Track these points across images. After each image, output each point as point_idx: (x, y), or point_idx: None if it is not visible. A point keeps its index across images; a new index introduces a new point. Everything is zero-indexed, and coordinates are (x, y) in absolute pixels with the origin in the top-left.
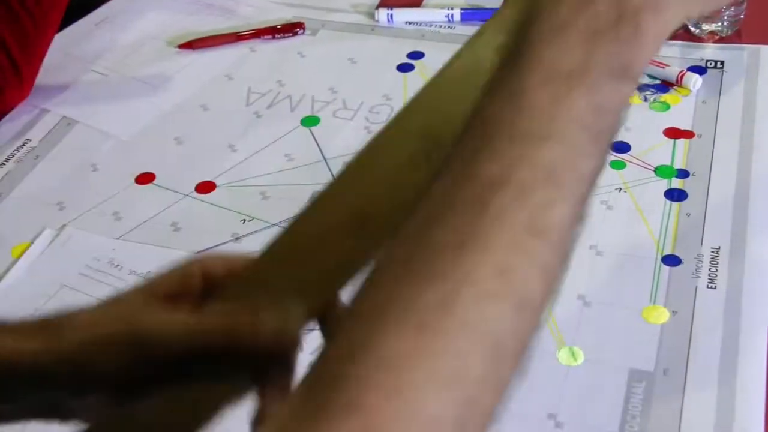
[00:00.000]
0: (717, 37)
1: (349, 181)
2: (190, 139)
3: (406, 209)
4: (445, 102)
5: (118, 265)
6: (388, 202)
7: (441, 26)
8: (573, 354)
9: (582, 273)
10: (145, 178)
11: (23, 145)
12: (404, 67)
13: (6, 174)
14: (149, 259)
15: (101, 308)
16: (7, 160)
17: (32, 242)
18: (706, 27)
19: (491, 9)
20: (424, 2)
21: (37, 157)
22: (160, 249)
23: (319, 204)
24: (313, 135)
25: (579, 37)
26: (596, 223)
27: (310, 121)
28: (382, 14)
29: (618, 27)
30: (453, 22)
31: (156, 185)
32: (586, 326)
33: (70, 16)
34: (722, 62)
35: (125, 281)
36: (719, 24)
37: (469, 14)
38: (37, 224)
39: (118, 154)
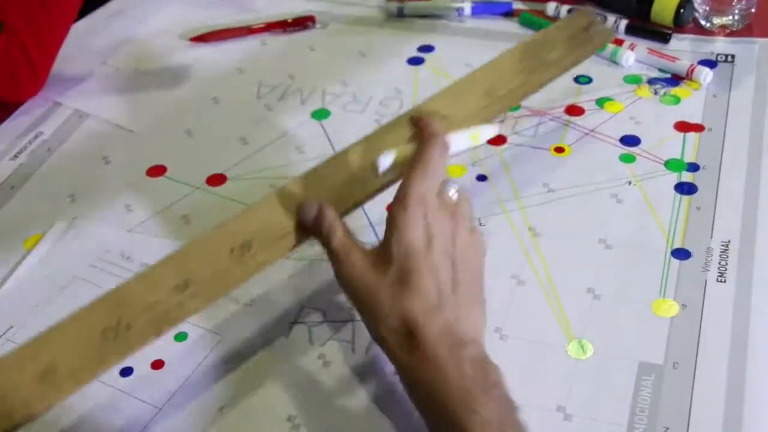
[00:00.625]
0: (728, 31)
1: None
2: (201, 132)
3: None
4: None
5: (129, 257)
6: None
7: (451, 20)
8: (582, 347)
9: (591, 266)
10: (156, 171)
11: (36, 137)
12: (414, 60)
13: (19, 166)
14: (160, 251)
15: None
16: (20, 152)
17: (44, 234)
18: (717, 21)
19: (501, 3)
20: None
21: (49, 149)
22: (170, 241)
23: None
24: (323, 128)
25: None
26: (606, 217)
27: (320, 114)
28: (393, 7)
29: None
30: (463, 15)
31: (167, 178)
32: (596, 319)
33: (84, 9)
34: (733, 56)
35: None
36: (730, 17)
37: (479, 8)
38: (50, 216)
39: (129, 147)
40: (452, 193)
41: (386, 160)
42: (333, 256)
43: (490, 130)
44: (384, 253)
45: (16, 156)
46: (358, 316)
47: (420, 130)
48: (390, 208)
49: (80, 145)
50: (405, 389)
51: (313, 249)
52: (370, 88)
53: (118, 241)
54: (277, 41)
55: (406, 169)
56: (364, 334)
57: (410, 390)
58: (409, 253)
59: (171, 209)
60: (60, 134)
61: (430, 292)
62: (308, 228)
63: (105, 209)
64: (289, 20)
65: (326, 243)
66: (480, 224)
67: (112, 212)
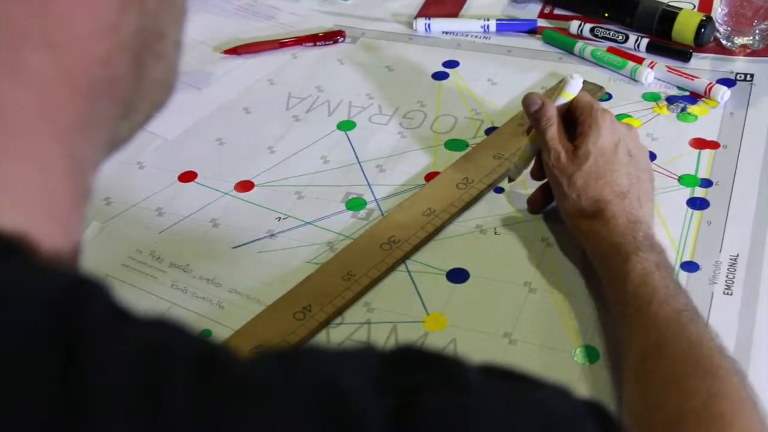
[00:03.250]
0: (748, 51)
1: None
2: (231, 140)
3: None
4: None
5: (159, 258)
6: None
7: (476, 36)
8: (589, 354)
9: None
10: (187, 177)
11: None
12: (439, 75)
13: None
14: (188, 252)
15: None
16: None
17: None
18: (737, 40)
19: (525, 21)
20: (461, 13)
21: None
22: (198, 243)
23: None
24: (348, 138)
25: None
26: None
27: (346, 126)
28: (420, 24)
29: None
30: (488, 32)
31: (198, 183)
32: (608, 333)
33: None
34: (752, 75)
35: (165, 273)
36: (751, 38)
37: (504, 25)
38: (86, 217)
39: (163, 153)
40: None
41: (578, 82)
42: (545, 146)
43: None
44: (582, 151)
45: None
46: (374, 320)
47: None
48: (586, 116)
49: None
50: (584, 246)
51: (324, 257)
52: (395, 101)
53: (149, 243)
54: (308, 55)
55: (579, 95)
56: (377, 336)
57: (589, 245)
58: (603, 151)
59: (200, 213)
60: None
61: (616, 183)
62: (530, 115)
63: (138, 212)
64: (320, 34)
65: (541, 133)
66: (495, 233)
67: (145, 215)
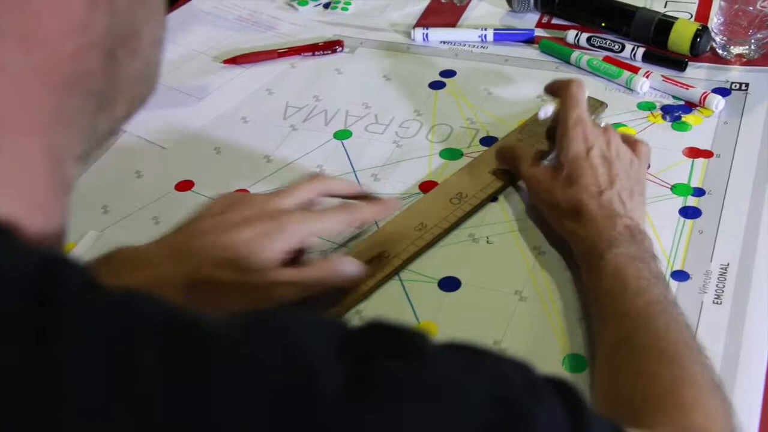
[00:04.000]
0: (744, 60)
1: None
2: (228, 150)
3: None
4: None
5: None
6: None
7: (474, 46)
8: (577, 363)
9: None
10: (184, 186)
11: None
12: (436, 85)
13: None
14: None
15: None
16: None
17: (77, 243)
18: (733, 50)
19: (522, 31)
20: (459, 22)
21: (85, 163)
22: None
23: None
24: (344, 147)
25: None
26: None
27: (342, 135)
28: (418, 33)
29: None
30: (486, 42)
31: (194, 192)
32: (593, 336)
33: None
34: (747, 84)
35: None
36: (747, 47)
37: (502, 35)
38: (83, 227)
39: (160, 162)
40: (602, 123)
41: (547, 111)
42: (524, 179)
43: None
44: (557, 164)
45: None
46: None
47: (558, 89)
48: (559, 131)
49: (114, 160)
50: (569, 241)
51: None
52: (392, 111)
53: None
54: (306, 64)
55: (561, 107)
56: None
57: (573, 246)
58: (574, 159)
59: None
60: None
61: (590, 184)
62: (506, 166)
63: (134, 221)
64: (319, 44)
65: (518, 173)
66: (488, 242)
67: (141, 224)
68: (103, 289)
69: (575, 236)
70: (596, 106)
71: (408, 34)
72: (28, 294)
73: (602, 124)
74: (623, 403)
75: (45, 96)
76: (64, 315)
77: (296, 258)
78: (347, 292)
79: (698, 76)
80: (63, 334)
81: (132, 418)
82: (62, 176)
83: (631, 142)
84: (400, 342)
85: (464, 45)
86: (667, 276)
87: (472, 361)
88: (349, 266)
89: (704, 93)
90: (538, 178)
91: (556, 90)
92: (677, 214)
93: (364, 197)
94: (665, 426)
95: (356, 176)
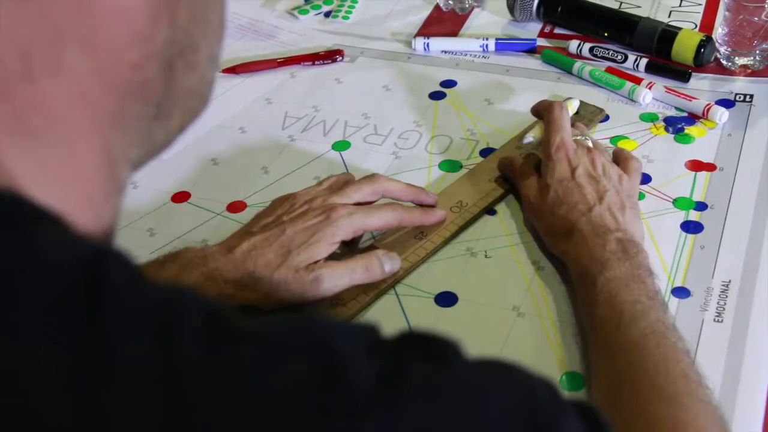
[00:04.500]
0: (748, 71)
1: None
2: (226, 160)
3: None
4: None
5: None
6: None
7: (475, 55)
8: (575, 381)
9: None
10: (181, 197)
11: None
12: (436, 95)
13: None
14: None
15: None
16: None
17: None
18: (738, 60)
19: (525, 40)
20: (461, 32)
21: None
22: None
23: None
24: (342, 159)
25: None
26: None
27: (341, 146)
28: (419, 43)
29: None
30: (487, 51)
31: (190, 204)
32: (588, 360)
33: None
34: (751, 96)
35: None
36: (751, 58)
37: (503, 45)
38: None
39: (157, 173)
40: (588, 142)
41: (529, 138)
42: (520, 194)
43: (575, 104)
44: (544, 185)
45: None
46: None
47: (542, 110)
48: (544, 154)
49: None
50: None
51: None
52: (391, 121)
53: (139, 263)
54: (306, 74)
55: (545, 131)
56: None
57: (568, 267)
58: (559, 181)
59: (192, 234)
60: None
61: (578, 202)
62: (505, 176)
63: (130, 232)
64: (319, 54)
65: (517, 186)
66: (486, 256)
67: (137, 235)
68: (149, 282)
69: (568, 257)
70: (596, 113)
71: (409, 44)
72: (75, 283)
73: (589, 143)
74: None
75: (105, 99)
76: (111, 300)
77: (348, 245)
78: (341, 305)
79: (702, 87)
80: (108, 323)
81: (173, 404)
82: (116, 178)
83: (622, 158)
84: (432, 348)
85: (465, 55)
86: (668, 293)
87: (501, 370)
88: (392, 263)
89: (708, 105)
90: (530, 199)
91: (541, 111)
92: (679, 229)
93: (416, 200)
94: None
95: None
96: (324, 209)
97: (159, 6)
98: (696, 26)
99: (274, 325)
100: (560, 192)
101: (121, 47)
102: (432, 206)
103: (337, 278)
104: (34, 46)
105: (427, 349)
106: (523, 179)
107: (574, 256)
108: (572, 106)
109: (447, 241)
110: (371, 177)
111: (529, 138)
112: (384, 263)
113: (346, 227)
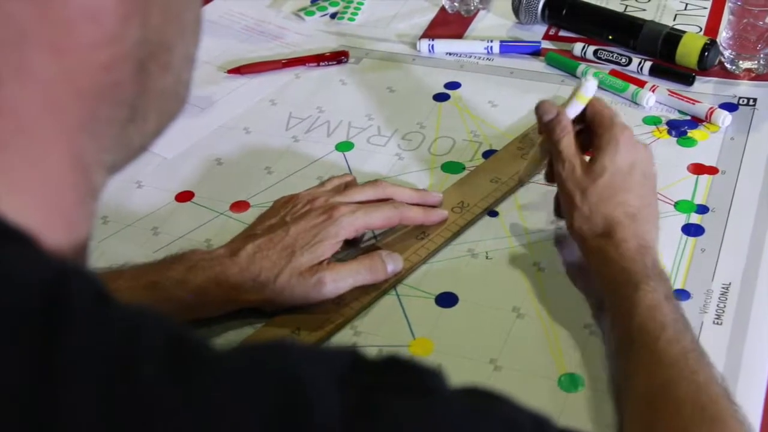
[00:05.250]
0: (752, 75)
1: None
2: (230, 160)
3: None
4: None
5: None
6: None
7: (480, 57)
8: (574, 382)
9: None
10: (184, 196)
11: None
12: (440, 97)
13: None
14: None
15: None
16: None
17: None
18: (742, 64)
19: (529, 43)
20: (466, 33)
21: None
22: None
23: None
24: (346, 159)
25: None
26: None
27: (344, 147)
28: (424, 45)
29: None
30: (492, 54)
31: (194, 203)
32: (590, 355)
33: None
34: (755, 99)
35: None
36: (755, 62)
37: (507, 47)
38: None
39: (161, 173)
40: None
41: (593, 84)
42: (559, 156)
43: (592, 86)
44: (598, 166)
45: None
46: (360, 343)
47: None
48: (605, 130)
49: None
50: (591, 266)
51: None
52: (395, 123)
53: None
54: (310, 75)
55: (599, 109)
56: None
57: (597, 265)
58: (619, 169)
59: (195, 233)
60: None
61: (629, 203)
62: (543, 125)
63: (134, 231)
64: (324, 55)
65: (555, 143)
66: (487, 258)
67: (140, 234)
68: (114, 304)
69: (604, 256)
70: None
71: (414, 45)
72: (38, 302)
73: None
74: None
75: (73, 103)
76: (71, 325)
77: (349, 244)
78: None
79: (706, 90)
80: (68, 343)
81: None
82: (89, 184)
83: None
84: (410, 378)
85: (470, 57)
86: None
87: (483, 406)
88: (395, 263)
89: (711, 108)
90: (573, 164)
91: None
92: (680, 232)
93: (421, 202)
94: None
95: None
96: (326, 209)
97: (129, 5)
98: (700, 30)
99: (241, 353)
100: (616, 181)
101: (89, 49)
102: (436, 205)
103: (341, 280)
104: None
105: (407, 379)
106: (564, 139)
107: (615, 256)
108: (590, 89)
109: (448, 242)
110: (374, 182)
111: (576, 107)
112: (387, 264)
113: (348, 226)
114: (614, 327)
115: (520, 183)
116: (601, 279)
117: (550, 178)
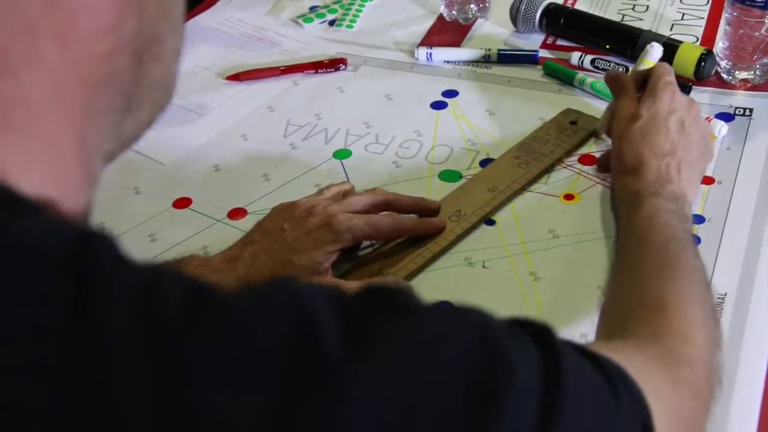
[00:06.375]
0: (749, 85)
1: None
2: (227, 167)
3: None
4: None
5: None
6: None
7: (478, 66)
8: None
9: (588, 312)
10: (182, 203)
11: None
12: (437, 105)
13: None
14: None
15: None
16: None
17: None
18: (738, 74)
19: (527, 51)
20: (464, 41)
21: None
22: None
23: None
24: (343, 167)
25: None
26: (607, 265)
27: (342, 154)
28: (422, 52)
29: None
30: (490, 62)
31: (192, 210)
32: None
33: None
34: (751, 110)
35: None
36: (752, 72)
37: (505, 55)
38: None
39: (159, 179)
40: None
41: (657, 51)
42: (615, 108)
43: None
44: (637, 112)
45: None
46: None
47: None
48: (650, 85)
49: (114, 175)
50: (617, 194)
51: None
52: (392, 131)
53: None
54: (309, 82)
55: (653, 70)
56: None
57: (622, 199)
58: (655, 114)
59: (192, 240)
60: None
61: (659, 145)
62: (608, 83)
63: (131, 237)
64: (322, 62)
65: (615, 98)
66: (484, 266)
67: (138, 240)
68: (133, 262)
69: (626, 189)
70: (594, 123)
71: (412, 53)
72: (64, 265)
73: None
74: (617, 309)
75: (77, 90)
76: (98, 283)
77: (346, 253)
78: None
79: (702, 100)
80: (98, 300)
81: (156, 365)
82: (90, 170)
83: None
84: (392, 300)
85: (468, 65)
86: None
87: (457, 313)
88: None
89: (707, 118)
90: (621, 118)
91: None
92: None
93: (418, 209)
94: (641, 336)
95: None
96: (324, 217)
97: None
98: (697, 40)
99: (250, 293)
100: (648, 126)
101: (91, 38)
102: (434, 212)
103: None
104: (11, 41)
105: (388, 301)
106: (621, 96)
107: (634, 186)
108: (654, 54)
109: (445, 250)
110: (372, 190)
111: (657, 49)
112: None
113: (346, 234)
114: (617, 244)
115: (596, 135)
116: (620, 208)
117: (609, 133)
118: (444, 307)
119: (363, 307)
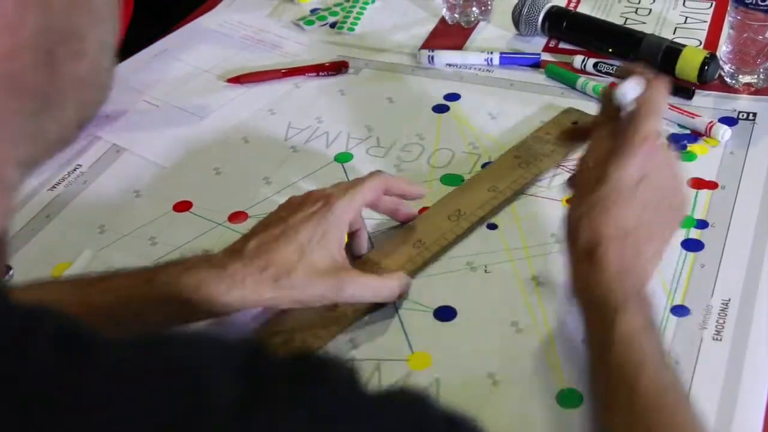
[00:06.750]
0: (752, 89)
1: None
2: (228, 170)
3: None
4: None
5: None
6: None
7: (479, 69)
8: (572, 398)
9: None
10: (182, 206)
11: (74, 170)
12: (439, 108)
13: (56, 196)
14: None
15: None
16: (58, 183)
17: (73, 262)
18: (742, 78)
19: (530, 55)
20: (466, 45)
21: (85, 182)
22: None
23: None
24: (344, 170)
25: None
26: None
27: (343, 158)
28: (424, 56)
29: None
30: (492, 65)
31: (192, 213)
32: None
33: (131, 49)
34: (755, 114)
35: None
36: (755, 76)
37: (507, 59)
38: (79, 246)
39: (160, 182)
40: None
41: (630, 93)
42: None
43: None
44: (603, 171)
45: (54, 187)
46: (357, 356)
47: (638, 74)
48: (625, 136)
49: (114, 179)
50: (571, 284)
51: None
52: (394, 134)
53: None
54: (310, 85)
55: (636, 113)
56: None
57: (577, 288)
58: (618, 180)
59: (192, 244)
60: (97, 167)
61: (622, 218)
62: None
63: (131, 241)
64: (324, 65)
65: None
66: (486, 271)
67: (138, 244)
68: (7, 299)
69: (583, 281)
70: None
71: (414, 56)
72: None
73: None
74: None
75: None
76: None
77: (354, 237)
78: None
79: (705, 104)
80: None
81: (18, 415)
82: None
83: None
84: (311, 370)
85: (470, 68)
86: (667, 311)
87: (392, 400)
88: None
89: (710, 122)
90: (584, 173)
91: (633, 74)
92: (679, 247)
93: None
94: None
95: None
96: (321, 197)
97: None
98: (700, 43)
99: (132, 345)
100: (612, 195)
101: None
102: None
103: (360, 291)
104: None
105: (308, 371)
106: (595, 139)
107: (593, 280)
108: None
109: (444, 250)
110: (373, 175)
111: (631, 93)
112: (403, 290)
113: (347, 208)
114: (591, 353)
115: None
116: (580, 303)
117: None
118: (389, 393)
119: (272, 370)
